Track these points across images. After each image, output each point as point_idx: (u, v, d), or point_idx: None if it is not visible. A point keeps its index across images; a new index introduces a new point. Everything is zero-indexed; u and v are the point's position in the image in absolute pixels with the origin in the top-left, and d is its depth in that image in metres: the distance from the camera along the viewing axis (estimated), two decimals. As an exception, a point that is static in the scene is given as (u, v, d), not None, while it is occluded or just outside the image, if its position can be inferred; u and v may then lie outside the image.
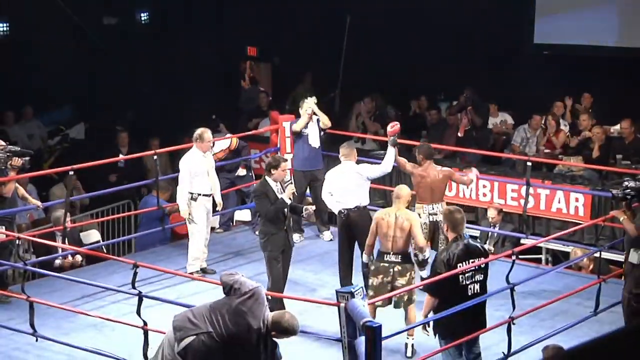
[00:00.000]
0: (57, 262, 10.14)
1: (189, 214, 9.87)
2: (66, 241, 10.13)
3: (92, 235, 11.47)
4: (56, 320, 8.74)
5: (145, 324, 7.59)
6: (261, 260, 9.21)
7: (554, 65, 14.49)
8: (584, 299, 9.06)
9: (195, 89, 15.54)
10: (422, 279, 8.12)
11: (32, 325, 8.14)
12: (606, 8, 14.79)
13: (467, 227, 9.71)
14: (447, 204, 9.34)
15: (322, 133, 11.14)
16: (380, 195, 11.78)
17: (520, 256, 9.03)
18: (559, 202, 10.97)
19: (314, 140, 11.08)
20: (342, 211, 9.32)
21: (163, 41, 15.84)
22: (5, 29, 14.78)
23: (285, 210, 8.93)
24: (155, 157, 10.57)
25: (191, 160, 9.93)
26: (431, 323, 7.55)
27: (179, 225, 11.04)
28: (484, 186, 11.38)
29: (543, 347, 6.79)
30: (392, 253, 8.24)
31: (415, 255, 8.42)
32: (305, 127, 11.07)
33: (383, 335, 6.30)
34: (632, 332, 3.91)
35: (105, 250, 11.14)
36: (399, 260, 8.23)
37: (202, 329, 5.94)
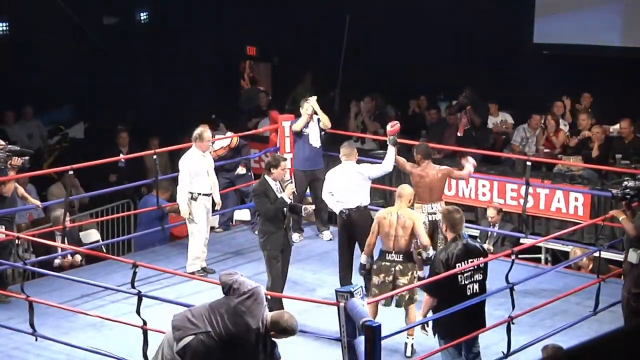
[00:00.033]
0: (57, 261, 10.14)
1: (189, 213, 9.87)
2: (65, 241, 10.13)
3: (92, 235, 11.48)
4: (56, 319, 8.74)
5: (144, 323, 7.59)
6: (260, 260, 9.21)
7: (553, 65, 14.50)
8: (583, 298, 9.06)
9: (195, 89, 15.55)
10: (420, 278, 8.12)
11: (31, 325, 8.13)
12: (606, 8, 14.80)
13: (467, 227, 9.72)
14: (447, 203, 9.34)
15: (322, 133, 11.14)
16: (380, 195, 11.78)
17: (519, 256, 9.02)
18: (559, 202, 10.96)
19: (315, 140, 11.07)
20: (344, 211, 9.30)
21: (163, 41, 15.85)
22: (5, 28, 14.79)
23: (285, 209, 8.93)
24: (154, 156, 10.58)
25: (191, 159, 9.93)
26: (430, 323, 7.55)
27: (178, 225, 11.05)
28: (484, 186, 11.38)
29: (542, 346, 6.79)
30: (393, 252, 8.25)
31: (419, 253, 8.43)
32: (306, 126, 11.07)
33: (382, 334, 6.31)
34: (632, 332, 3.91)
35: (104, 250, 11.14)
36: (401, 260, 8.23)
37: (201, 328, 5.94)
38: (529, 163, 10.60)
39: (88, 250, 10.00)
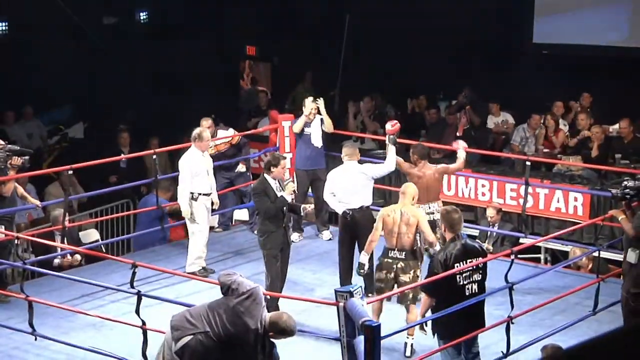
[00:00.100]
0: (56, 261, 10.14)
1: (191, 213, 9.86)
2: (65, 240, 10.13)
3: (91, 235, 11.48)
4: (55, 319, 8.74)
5: (144, 323, 7.59)
6: (260, 260, 9.20)
7: (553, 65, 14.51)
8: (582, 298, 9.07)
9: (195, 89, 15.55)
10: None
11: (31, 325, 8.13)
12: (605, 8, 14.81)
13: (466, 227, 9.73)
14: (446, 203, 9.33)
15: (324, 133, 11.14)
16: (380, 194, 11.78)
17: (519, 255, 9.01)
18: (558, 202, 10.97)
19: (317, 140, 11.07)
20: (347, 212, 9.27)
21: (163, 41, 15.85)
22: (4, 28, 14.79)
23: (284, 208, 8.92)
24: (154, 156, 10.58)
25: (191, 159, 9.93)
26: (429, 322, 7.56)
27: (177, 224, 11.06)
28: (483, 185, 11.38)
29: (542, 346, 6.79)
30: (396, 249, 8.26)
31: (427, 249, 8.44)
32: (308, 125, 11.07)
33: (382, 334, 6.31)
34: (631, 332, 3.91)
35: (104, 250, 11.14)
36: (403, 257, 8.24)
37: (200, 328, 5.95)
38: (528, 163, 10.61)
39: (87, 250, 10.00)
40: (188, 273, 9.48)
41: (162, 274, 9.30)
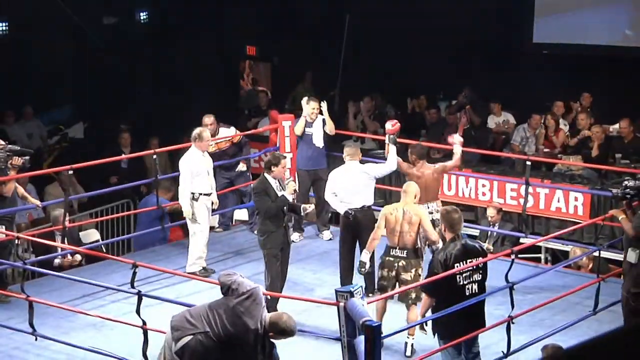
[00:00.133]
0: (57, 261, 10.14)
1: (192, 214, 9.86)
2: (65, 240, 10.13)
3: (92, 235, 11.48)
4: (56, 319, 8.74)
5: (144, 323, 7.59)
6: (260, 260, 9.20)
7: (553, 65, 14.52)
8: (583, 298, 9.06)
9: (195, 89, 15.55)
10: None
11: (31, 325, 8.13)
12: (605, 8, 14.81)
13: (467, 227, 9.73)
14: (447, 203, 9.34)
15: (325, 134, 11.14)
16: (380, 194, 11.77)
17: (519, 255, 9.01)
18: (558, 201, 10.97)
19: (318, 140, 11.06)
20: (349, 211, 9.27)
21: (163, 41, 15.85)
22: (4, 28, 14.79)
23: (285, 207, 8.92)
24: (154, 156, 10.58)
25: (191, 159, 9.93)
26: (429, 322, 7.56)
27: (177, 224, 11.06)
28: (483, 185, 11.38)
29: (542, 346, 6.79)
30: (397, 248, 8.27)
31: (430, 245, 8.45)
32: (310, 126, 11.06)
33: (382, 334, 6.31)
34: (631, 332, 3.91)
35: (104, 250, 11.14)
36: (404, 255, 8.25)
37: (200, 328, 5.95)
38: (528, 163, 10.61)
39: (88, 250, 10.01)
40: (188, 273, 9.47)
41: (162, 274, 9.31)
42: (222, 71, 16.92)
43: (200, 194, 9.88)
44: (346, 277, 9.35)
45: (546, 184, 11.15)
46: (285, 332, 5.99)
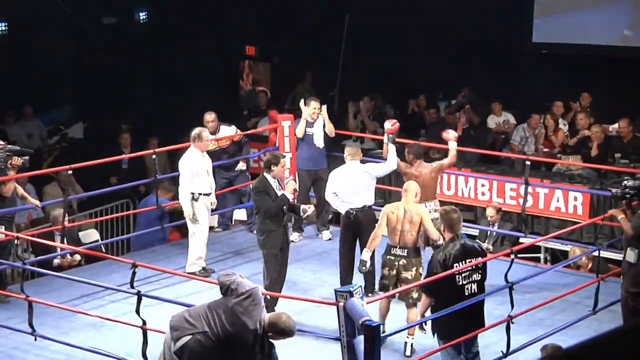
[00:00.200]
0: (56, 261, 10.14)
1: (193, 214, 9.86)
2: (65, 240, 10.13)
3: (91, 235, 11.48)
4: (55, 319, 8.74)
5: (144, 323, 7.59)
6: (260, 260, 9.19)
7: (553, 64, 14.52)
8: (582, 297, 9.07)
9: (195, 89, 15.56)
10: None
11: (31, 325, 8.13)
12: (605, 8, 14.81)
13: (466, 226, 9.72)
14: (446, 203, 9.34)
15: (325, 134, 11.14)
16: (380, 194, 11.77)
17: (519, 255, 9.01)
18: (558, 201, 10.97)
19: (318, 140, 11.06)
20: (350, 211, 9.26)
21: (163, 41, 15.86)
22: (4, 29, 14.79)
23: (285, 207, 8.91)
24: (154, 156, 10.58)
25: (191, 160, 9.93)
26: (429, 322, 7.56)
27: (177, 224, 11.06)
28: (483, 185, 11.38)
29: (542, 346, 6.78)
30: (398, 247, 8.28)
31: (432, 245, 8.46)
32: (310, 126, 11.06)
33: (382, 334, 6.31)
34: (630, 331, 3.91)
35: (104, 250, 11.14)
36: (405, 254, 8.25)
37: (199, 328, 5.95)
38: (528, 162, 10.61)
39: (87, 250, 10.01)
40: (188, 273, 9.47)
41: (162, 274, 9.30)
42: (222, 71, 16.93)
43: (200, 194, 9.88)
44: (346, 276, 9.35)
45: (545, 184, 11.16)
46: (285, 332, 5.99)
